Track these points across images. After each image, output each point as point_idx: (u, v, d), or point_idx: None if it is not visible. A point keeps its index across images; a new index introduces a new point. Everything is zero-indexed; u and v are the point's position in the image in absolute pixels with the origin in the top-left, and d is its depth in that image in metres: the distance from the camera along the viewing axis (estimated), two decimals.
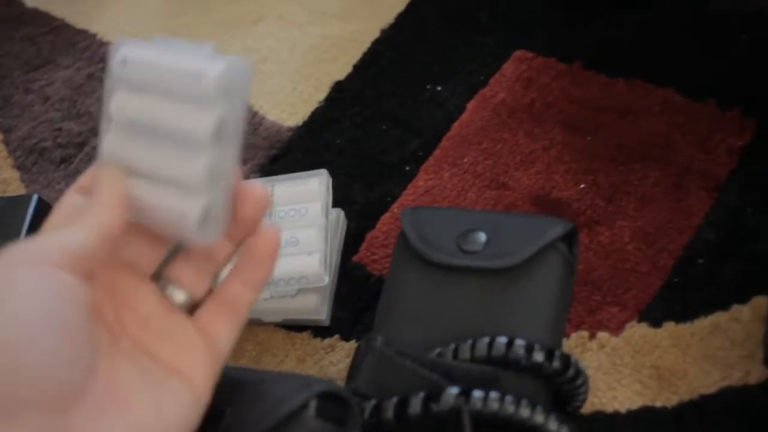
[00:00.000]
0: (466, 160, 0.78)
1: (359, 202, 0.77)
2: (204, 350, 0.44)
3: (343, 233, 0.74)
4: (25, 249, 0.37)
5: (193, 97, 0.40)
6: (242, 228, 0.44)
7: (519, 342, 0.55)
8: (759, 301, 0.65)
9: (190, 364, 0.43)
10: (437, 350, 0.57)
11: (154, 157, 0.41)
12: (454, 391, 0.53)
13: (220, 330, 0.44)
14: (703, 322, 0.65)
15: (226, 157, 0.41)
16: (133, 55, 0.41)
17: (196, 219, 0.41)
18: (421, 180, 0.77)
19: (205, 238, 0.42)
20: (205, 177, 0.40)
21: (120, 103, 0.42)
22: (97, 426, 0.37)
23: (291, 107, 0.86)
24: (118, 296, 0.43)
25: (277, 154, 0.82)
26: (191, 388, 0.42)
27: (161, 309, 0.44)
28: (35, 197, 0.73)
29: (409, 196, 0.76)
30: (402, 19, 0.91)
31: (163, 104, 0.41)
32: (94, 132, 0.88)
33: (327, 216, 0.69)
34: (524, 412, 0.52)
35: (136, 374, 0.41)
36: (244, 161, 0.82)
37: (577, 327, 0.66)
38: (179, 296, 0.45)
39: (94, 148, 0.86)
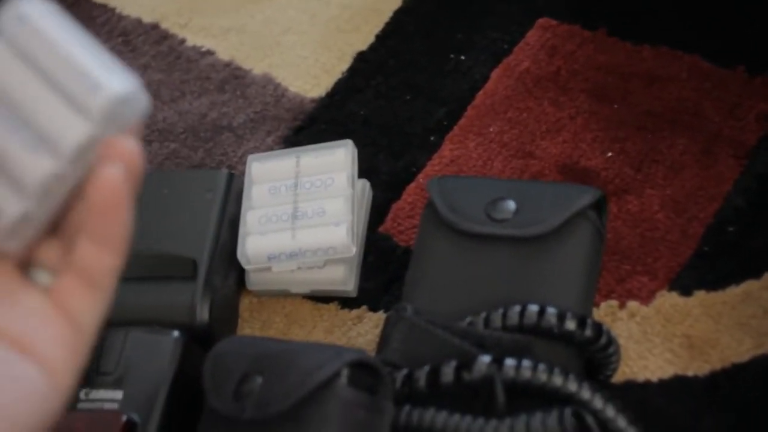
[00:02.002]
0: (491, 130, 0.77)
1: (384, 173, 0.76)
2: (61, 326, 0.37)
3: (369, 204, 0.74)
4: None
5: (78, 102, 0.36)
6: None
7: (551, 310, 0.54)
8: None
9: (43, 342, 0.37)
10: (468, 319, 0.56)
11: (2, 136, 0.36)
12: (486, 359, 0.52)
13: (79, 304, 0.38)
14: (735, 291, 0.64)
15: (73, 176, 0.36)
16: (34, 18, 0.36)
17: (10, 222, 0.36)
18: (447, 150, 0.77)
19: (5, 243, 0.37)
20: (44, 187, 0.36)
21: None
22: None
23: (314, 78, 0.85)
24: None
25: (301, 125, 0.81)
26: (46, 371, 0.36)
27: (8, 283, 0.38)
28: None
29: (434, 167, 0.76)
30: None
31: (39, 88, 0.36)
32: None
33: (353, 186, 0.69)
34: (557, 380, 0.52)
35: None
36: (268, 132, 0.81)
37: (607, 296, 0.65)
38: (43, 278, 0.38)
39: None
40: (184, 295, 0.65)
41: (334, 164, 0.69)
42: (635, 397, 0.61)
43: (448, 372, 0.53)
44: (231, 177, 0.71)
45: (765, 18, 0.79)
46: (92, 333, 0.38)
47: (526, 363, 0.52)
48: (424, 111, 0.80)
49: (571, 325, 0.54)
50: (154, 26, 0.94)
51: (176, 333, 0.61)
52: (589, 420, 0.50)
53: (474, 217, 0.60)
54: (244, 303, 0.71)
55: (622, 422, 0.51)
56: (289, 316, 0.70)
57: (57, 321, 0.37)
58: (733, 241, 0.67)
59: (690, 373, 0.61)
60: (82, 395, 0.59)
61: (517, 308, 0.55)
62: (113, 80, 0.36)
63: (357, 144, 0.72)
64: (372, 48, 0.86)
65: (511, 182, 0.66)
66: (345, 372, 0.51)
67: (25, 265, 0.38)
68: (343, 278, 0.68)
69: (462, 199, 0.61)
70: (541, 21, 0.84)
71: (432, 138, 0.78)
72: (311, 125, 0.81)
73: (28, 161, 0.35)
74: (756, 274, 0.65)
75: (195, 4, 0.95)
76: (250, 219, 0.69)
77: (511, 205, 0.60)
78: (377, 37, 0.87)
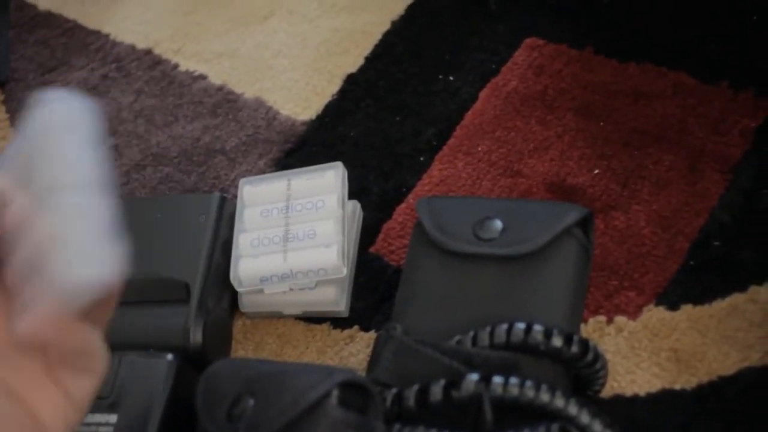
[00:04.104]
0: (480, 149, 0.78)
1: (375, 194, 0.77)
2: (57, 396, 0.42)
3: (360, 224, 0.75)
4: None
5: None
6: None
7: (537, 327, 0.55)
8: None
9: (43, 406, 0.41)
10: (456, 338, 0.57)
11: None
12: (474, 377, 0.53)
13: (72, 380, 0.42)
14: (721, 304, 0.65)
15: None
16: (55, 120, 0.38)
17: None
18: (436, 170, 0.78)
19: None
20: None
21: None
22: None
23: (304, 101, 0.86)
24: None
25: (292, 148, 0.83)
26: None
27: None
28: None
29: (424, 186, 0.77)
30: (412, 9, 0.91)
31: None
32: (110, 131, 0.89)
33: (343, 208, 0.70)
34: (544, 397, 0.52)
35: None
36: (260, 155, 0.82)
37: (595, 312, 0.66)
38: None
39: (111, 147, 0.87)
40: (177, 318, 0.66)
41: (325, 186, 0.70)
42: (623, 411, 0.61)
43: (437, 391, 0.53)
44: (223, 200, 0.72)
45: (748, 34, 0.80)
46: (85, 406, 0.42)
47: (514, 380, 0.53)
48: (414, 131, 0.81)
49: (557, 341, 0.55)
50: (148, 52, 0.96)
51: (170, 356, 0.62)
52: None
53: (462, 236, 0.61)
54: (238, 325, 0.72)
55: None
56: (281, 337, 0.70)
57: (54, 390, 0.41)
58: (718, 256, 0.68)
59: (677, 386, 0.62)
60: None
61: (505, 326, 0.56)
62: (84, 262, 0.38)
63: (347, 165, 0.73)
64: (361, 70, 0.87)
65: (498, 201, 0.67)
66: (335, 392, 0.51)
67: None
68: (335, 299, 0.68)
69: (450, 219, 0.62)
70: (528, 41, 0.85)
71: (421, 158, 0.79)
72: (302, 147, 0.82)
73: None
74: (741, 288, 0.65)
75: (187, 29, 0.97)
76: (243, 242, 0.70)
77: (498, 224, 0.61)
78: (366, 59, 0.88)
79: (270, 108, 0.86)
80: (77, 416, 0.42)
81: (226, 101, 0.88)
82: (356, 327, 0.70)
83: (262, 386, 0.54)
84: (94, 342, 0.41)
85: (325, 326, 0.70)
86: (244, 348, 0.71)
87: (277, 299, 0.69)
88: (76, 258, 0.38)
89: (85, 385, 0.42)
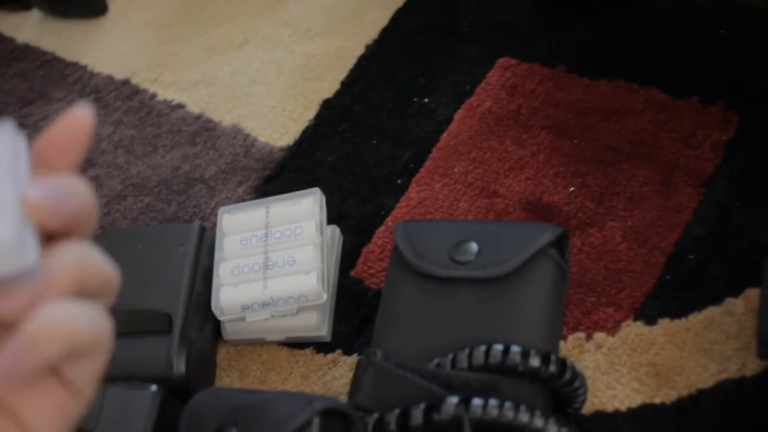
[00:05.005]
0: (456, 170, 0.79)
1: (354, 218, 0.78)
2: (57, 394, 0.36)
3: (340, 249, 0.75)
4: None
5: None
6: None
7: (515, 348, 0.56)
8: (751, 294, 0.66)
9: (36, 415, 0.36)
10: (436, 361, 0.58)
11: None
12: (453, 400, 0.54)
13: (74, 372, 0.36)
14: (698, 317, 0.66)
15: None
16: None
17: None
18: (414, 192, 0.78)
19: None
20: None
21: None
22: None
23: (282, 127, 0.87)
24: None
25: (271, 174, 0.83)
26: None
27: None
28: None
29: (402, 209, 0.77)
30: (386, 33, 0.92)
31: None
32: (90, 162, 0.89)
33: (322, 234, 0.70)
34: (523, 417, 0.53)
35: None
36: (239, 183, 0.83)
37: (574, 329, 0.67)
38: None
39: (92, 178, 0.88)
40: (160, 349, 0.66)
41: (303, 213, 0.71)
42: (605, 426, 0.62)
43: (417, 414, 0.54)
44: (202, 230, 0.73)
45: (716, 50, 0.82)
46: (89, 393, 0.37)
47: (493, 401, 0.54)
48: (390, 155, 0.82)
49: (535, 362, 0.55)
50: (125, 82, 0.96)
51: (154, 387, 0.63)
52: None
53: (438, 260, 0.62)
54: (222, 353, 0.72)
55: None
56: (265, 364, 0.71)
57: (50, 392, 0.36)
58: (694, 269, 0.69)
59: (657, 400, 0.63)
60: None
61: (483, 348, 0.56)
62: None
63: (326, 190, 0.74)
64: (337, 95, 0.88)
65: (473, 224, 0.68)
66: (316, 420, 0.52)
67: None
68: (316, 324, 0.69)
69: (426, 243, 0.63)
70: (501, 61, 0.86)
71: (399, 181, 0.79)
72: (281, 174, 0.83)
73: None
74: (717, 301, 0.66)
75: (164, 59, 0.97)
76: (223, 270, 0.70)
77: (474, 247, 0.62)
78: (342, 83, 0.89)
79: (248, 135, 0.87)
80: (79, 407, 0.37)
81: (204, 129, 0.89)
82: (339, 351, 0.70)
83: (244, 416, 0.54)
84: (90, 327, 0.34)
85: (308, 351, 0.71)
86: (228, 375, 0.71)
87: (260, 326, 0.70)
88: None
89: (86, 371, 0.36)
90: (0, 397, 0.35)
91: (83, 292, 0.34)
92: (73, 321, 0.33)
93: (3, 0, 1.08)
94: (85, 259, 0.35)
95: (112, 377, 0.64)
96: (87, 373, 0.36)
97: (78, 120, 0.35)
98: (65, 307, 0.33)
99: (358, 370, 0.60)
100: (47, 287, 0.33)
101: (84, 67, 1.00)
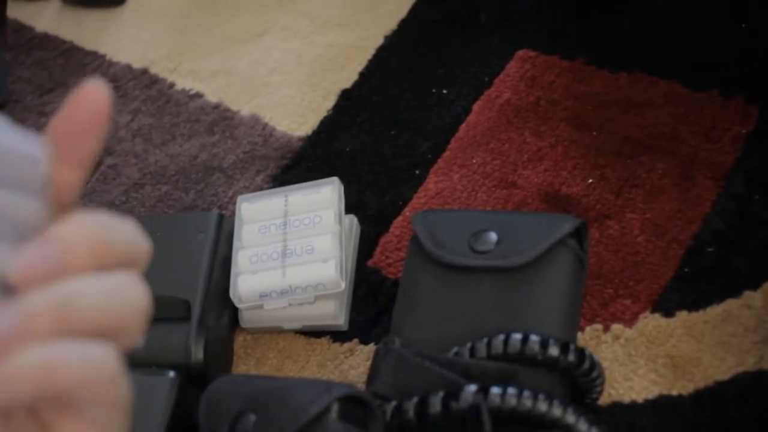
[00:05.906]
0: (474, 161, 0.79)
1: (372, 208, 0.78)
2: None
3: (357, 239, 0.75)
4: None
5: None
6: None
7: (534, 338, 0.56)
8: None
9: None
10: (454, 349, 0.58)
11: None
12: (472, 388, 0.54)
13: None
14: (716, 310, 0.66)
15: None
16: None
17: None
18: (432, 183, 0.78)
19: None
20: None
21: None
22: None
23: (300, 117, 0.87)
24: None
25: (289, 164, 0.83)
26: None
27: None
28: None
29: (420, 199, 0.77)
30: (405, 24, 0.92)
31: None
32: (108, 151, 0.90)
33: (340, 223, 0.70)
34: (542, 406, 0.53)
35: None
36: (257, 172, 0.83)
37: (591, 320, 0.67)
38: None
39: (109, 167, 0.88)
40: (178, 336, 0.67)
41: (321, 202, 0.71)
42: (622, 418, 0.62)
43: (435, 402, 0.54)
44: (221, 218, 0.73)
45: (736, 42, 0.81)
46: None
47: (512, 390, 0.54)
48: (409, 145, 0.82)
49: (554, 351, 0.55)
50: (144, 71, 0.97)
51: (172, 373, 0.63)
52: None
53: (457, 249, 0.62)
54: (239, 340, 0.73)
55: None
56: (282, 352, 0.71)
57: None
58: (712, 262, 0.68)
59: (674, 392, 0.62)
60: None
61: (501, 337, 0.56)
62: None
63: (344, 180, 0.74)
64: (356, 85, 0.88)
65: (492, 214, 0.68)
66: (335, 407, 0.52)
67: None
68: (334, 313, 0.69)
69: (445, 233, 0.63)
70: (520, 53, 0.86)
71: (417, 171, 0.80)
72: (299, 163, 0.83)
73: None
74: (736, 294, 0.66)
75: (183, 48, 0.98)
76: (241, 258, 0.70)
77: (493, 236, 0.62)
78: (361, 74, 0.89)
79: (266, 125, 0.87)
80: None
81: (222, 119, 0.89)
82: (356, 340, 0.70)
83: (263, 403, 0.54)
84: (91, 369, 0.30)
85: (325, 340, 0.71)
86: (245, 363, 0.72)
87: (277, 314, 0.70)
88: None
89: (101, 418, 0.32)
90: None
91: (105, 264, 0.32)
92: (55, 363, 0.29)
93: None
94: (105, 229, 0.32)
95: (131, 363, 0.64)
96: (99, 424, 0.32)
97: (94, 98, 0.33)
98: (48, 348, 0.29)
99: (377, 358, 0.60)
100: (29, 313, 0.29)
101: (103, 56, 1.00)
